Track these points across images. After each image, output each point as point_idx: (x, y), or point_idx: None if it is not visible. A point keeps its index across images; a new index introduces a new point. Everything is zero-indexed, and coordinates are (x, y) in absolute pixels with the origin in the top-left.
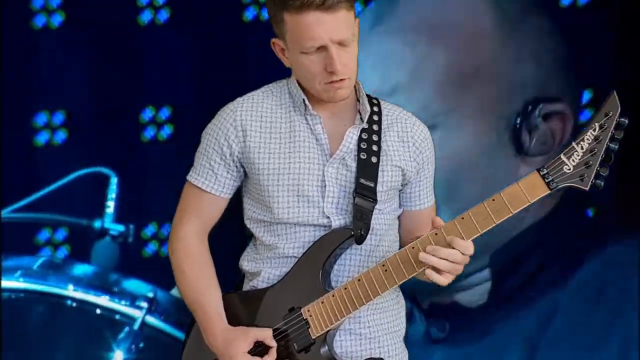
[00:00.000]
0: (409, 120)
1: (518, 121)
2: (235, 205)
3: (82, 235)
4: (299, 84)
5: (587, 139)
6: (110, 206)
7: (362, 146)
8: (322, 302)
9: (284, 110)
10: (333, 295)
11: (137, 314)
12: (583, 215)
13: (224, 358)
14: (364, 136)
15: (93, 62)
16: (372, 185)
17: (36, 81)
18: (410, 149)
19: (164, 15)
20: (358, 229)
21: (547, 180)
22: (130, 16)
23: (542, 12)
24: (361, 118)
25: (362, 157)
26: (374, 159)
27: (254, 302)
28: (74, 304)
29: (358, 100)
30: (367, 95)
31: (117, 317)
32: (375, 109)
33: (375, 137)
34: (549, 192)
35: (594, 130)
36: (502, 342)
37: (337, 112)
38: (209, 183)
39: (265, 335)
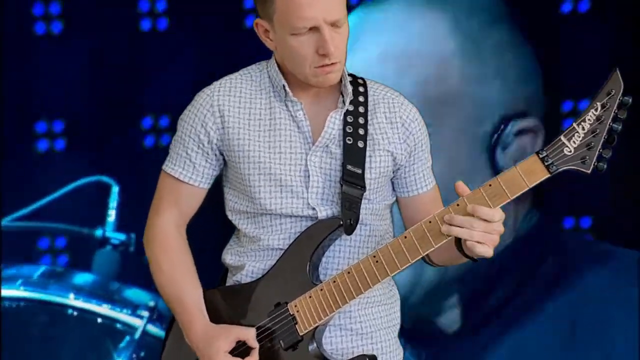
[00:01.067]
0: (396, 100)
1: (493, 141)
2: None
3: (83, 244)
4: (279, 68)
5: (589, 119)
6: (112, 215)
7: (348, 130)
8: (310, 297)
9: (263, 95)
10: (321, 289)
11: (138, 322)
12: (557, 234)
13: (203, 355)
14: (349, 119)
15: (93, 69)
16: (359, 171)
17: (36, 88)
18: (399, 130)
19: (164, 23)
20: (347, 218)
21: (546, 164)
22: (131, 24)
23: (501, 26)
24: (343, 101)
25: (347, 142)
26: (360, 144)
27: (237, 298)
28: (75, 313)
29: (341, 82)
30: (353, 75)
31: (118, 326)
32: (361, 89)
33: (361, 120)
34: (549, 175)
35: (596, 109)
36: None
37: (319, 96)
38: (187, 173)
39: (248, 335)
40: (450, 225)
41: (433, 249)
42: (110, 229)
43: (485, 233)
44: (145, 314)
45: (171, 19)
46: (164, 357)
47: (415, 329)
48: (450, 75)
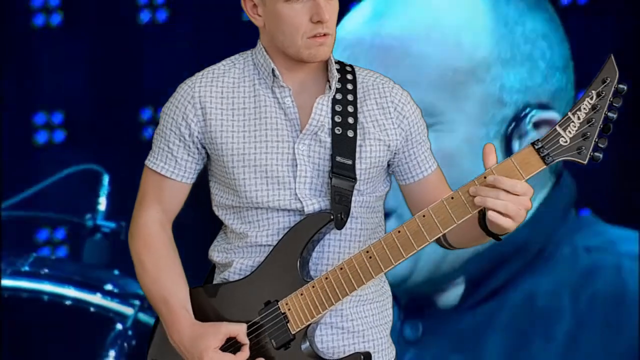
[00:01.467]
0: (386, 85)
1: (510, 128)
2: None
3: (74, 233)
4: (267, 53)
5: (584, 108)
6: (102, 203)
7: (337, 120)
8: (302, 294)
9: (247, 83)
10: (313, 286)
11: (129, 311)
12: (565, 218)
13: (191, 355)
14: (338, 108)
15: (93, 61)
16: (350, 162)
17: (35, 80)
18: (392, 114)
19: (162, 14)
20: (337, 212)
21: (542, 155)
22: (129, 16)
23: (538, 15)
24: (330, 86)
25: (337, 132)
26: (350, 133)
27: (225, 296)
28: (67, 302)
29: (327, 68)
30: (341, 63)
31: (109, 314)
32: (350, 76)
33: (350, 109)
34: (545, 167)
35: (591, 98)
36: (475, 347)
37: (306, 82)
38: (169, 168)
39: (239, 330)
40: (475, 195)
41: (428, 243)
42: (100, 218)
43: (509, 204)
44: (137, 302)
45: (170, 10)
46: (150, 354)
47: (413, 303)
48: (479, 52)
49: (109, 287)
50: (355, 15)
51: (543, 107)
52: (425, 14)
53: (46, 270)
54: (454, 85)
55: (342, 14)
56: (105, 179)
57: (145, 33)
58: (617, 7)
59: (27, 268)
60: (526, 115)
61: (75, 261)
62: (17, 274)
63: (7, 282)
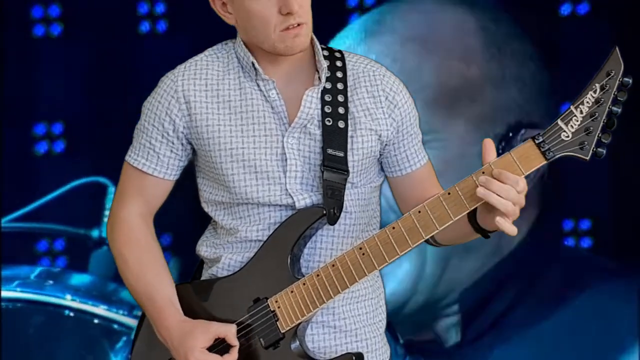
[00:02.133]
0: (377, 72)
1: (501, 146)
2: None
3: (80, 245)
4: (246, 46)
5: (587, 102)
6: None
7: (327, 110)
8: (292, 292)
9: (232, 75)
10: (304, 284)
11: (135, 323)
12: (562, 246)
13: (178, 352)
14: (328, 98)
15: (93, 71)
16: (341, 154)
17: (36, 91)
18: (383, 104)
19: (162, 25)
20: (330, 207)
21: (543, 150)
22: (130, 26)
23: (526, 37)
24: (319, 77)
25: (327, 123)
26: (341, 124)
27: (213, 293)
28: (72, 314)
29: (315, 57)
30: (329, 49)
31: (115, 326)
32: (339, 63)
33: (340, 98)
34: (545, 162)
35: (595, 91)
36: None
37: (293, 74)
38: (150, 164)
39: (228, 332)
40: (488, 190)
41: (422, 240)
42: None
43: (510, 204)
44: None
45: (170, 21)
46: (133, 358)
47: (414, 339)
48: (470, 72)
49: (114, 299)
50: (347, 33)
51: (534, 126)
52: (416, 31)
53: (51, 282)
54: (446, 103)
55: (339, 23)
56: (111, 191)
57: (145, 43)
58: (617, 17)
59: (32, 279)
60: (517, 133)
61: (79, 273)
62: (22, 286)
63: (12, 294)
